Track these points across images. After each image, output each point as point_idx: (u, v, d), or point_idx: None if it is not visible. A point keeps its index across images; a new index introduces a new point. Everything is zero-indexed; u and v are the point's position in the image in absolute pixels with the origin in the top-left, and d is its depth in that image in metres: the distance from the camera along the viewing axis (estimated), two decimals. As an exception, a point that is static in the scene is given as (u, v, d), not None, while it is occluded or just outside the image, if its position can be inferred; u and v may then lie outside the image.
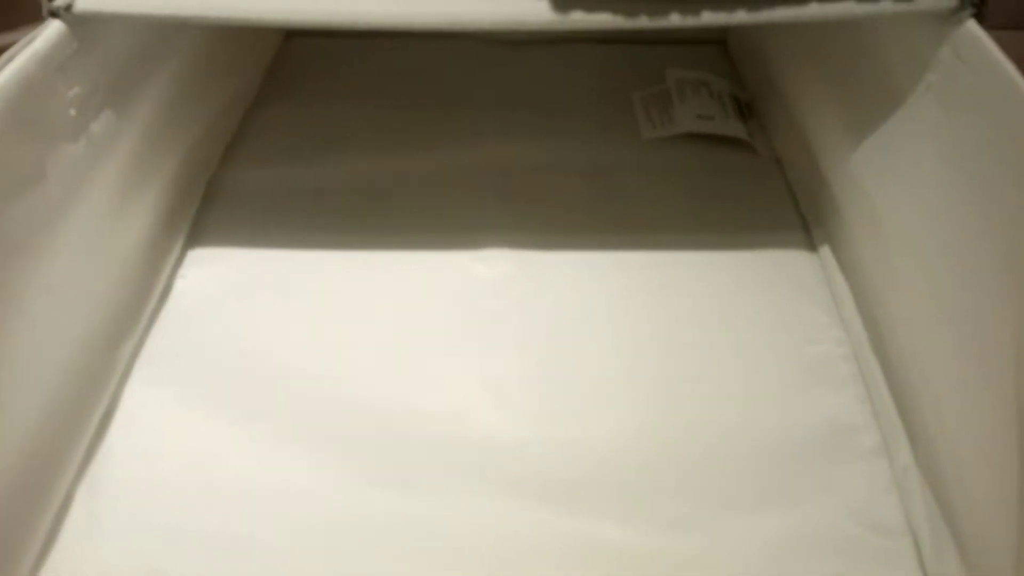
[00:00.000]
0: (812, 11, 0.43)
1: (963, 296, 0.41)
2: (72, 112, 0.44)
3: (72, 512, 0.42)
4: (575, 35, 0.74)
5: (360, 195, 0.60)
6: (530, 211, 0.58)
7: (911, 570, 0.41)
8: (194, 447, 0.45)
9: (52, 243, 0.42)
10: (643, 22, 0.43)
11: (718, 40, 0.76)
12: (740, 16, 0.43)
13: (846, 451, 0.45)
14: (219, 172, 0.62)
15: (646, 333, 0.51)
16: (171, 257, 0.54)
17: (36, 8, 0.43)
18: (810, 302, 0.53)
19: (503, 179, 0.61)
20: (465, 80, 0.71)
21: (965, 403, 0.40)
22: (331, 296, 0.53)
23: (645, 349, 0.50)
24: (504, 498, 0.43)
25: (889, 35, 0.49)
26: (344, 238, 0.56)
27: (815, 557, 0.41)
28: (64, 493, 0.42)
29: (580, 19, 0.43)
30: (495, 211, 0.59)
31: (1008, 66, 0.38)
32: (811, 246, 0.57)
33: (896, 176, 0.48)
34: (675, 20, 0.43)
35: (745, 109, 0.68)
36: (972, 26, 0.42)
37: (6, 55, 0.40)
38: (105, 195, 0.47)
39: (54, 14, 0.43)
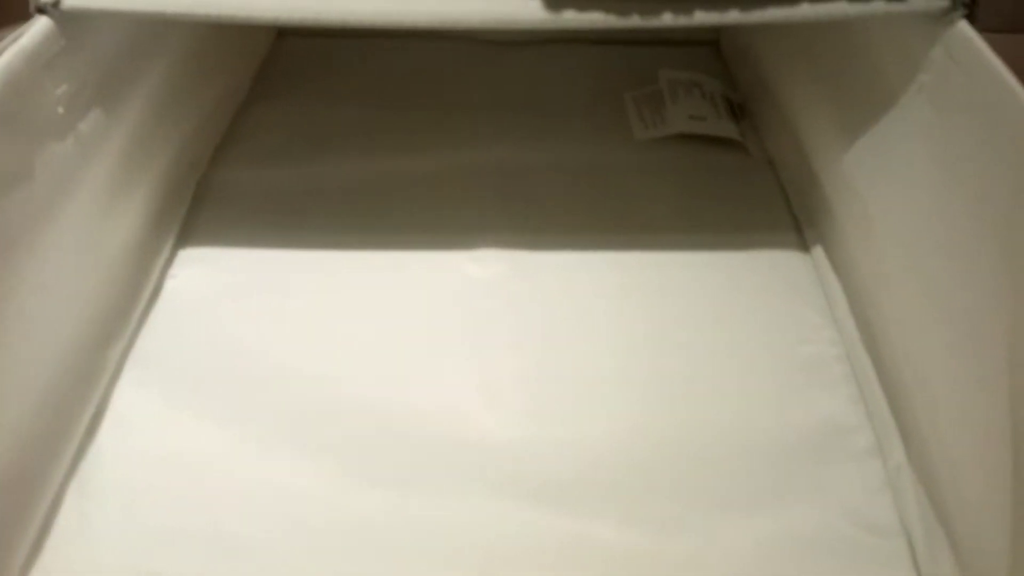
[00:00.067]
0: (804, 11, 0.43)
1: (956, 296, 0.41)
2: (60, 110, 0.43)
3: (62, 512, 0.42)
4: (568, 36, 0.74)
5: (352, 195, 0.60)
6: (524, 211, 0.58)
7: (905, 570, 0.41)
8: (184, 447, 0.45)
9: (40, 243, 0.42)
10: (635, 21, 0.43)
11: (710, 41, 0.76)
12: (732, 16, 0.43)
13: (839, 451, 0.45)
14: (210, 172, 0.62)
15: (640, 333, 0.51)
16: (161, 257, 0.54)
17: (24, 5, 0.42)
18: (803, 302, 0.53)
19: (497, 179, 0.61)
20: (459, 80, 0.71)
21: (958, 403, 0.40)
22: (323, 296, 0.53)
23: (639, 349, 0.50)
24: (499, 498, 0.43)
25: (881, 36, 0.49)
26: (336, 238, 0.56)
27: (809, 557, 0.41)
28: (54, 493, 0.42)
29: (572, 18, 0.43)
30: (489, 211, 0.58)
31: (1000, 66, 0.39)
32: (804, 247, 0.57)
33: (888, 176, 0.48)
34: (667, 19, 0.43)
35: (737, 110, 0.68)
36: (964, 26, 0.42)
37: (-7, 52, 0.39)
38: (94, 194, 0.47)
39: (42, 10, 0.42)
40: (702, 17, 0.43)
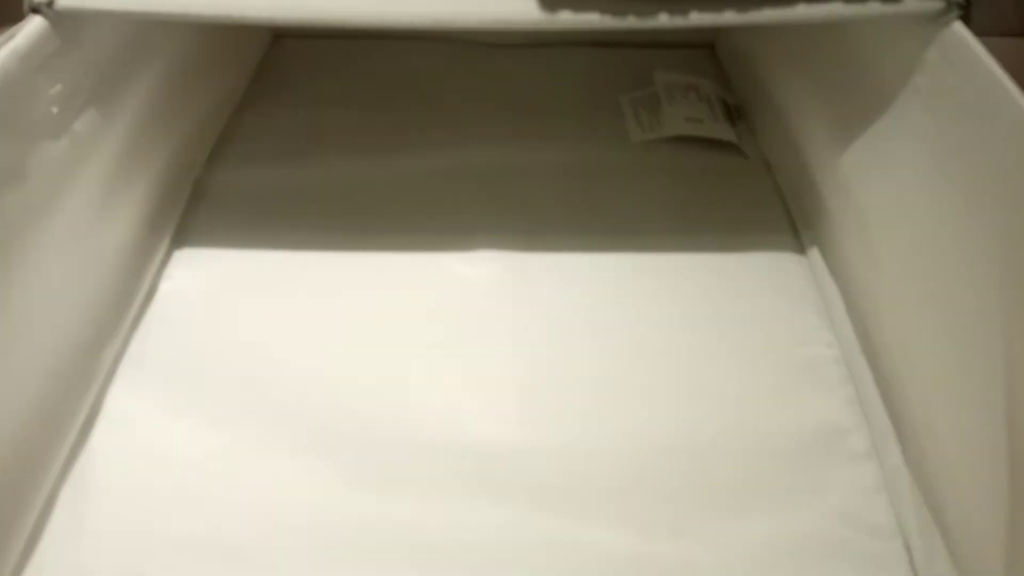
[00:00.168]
0: (800, 12, 0.43)
1: (952, 298, 0.41)
2: (54, 110, 0.43)
3: (55, 513, 0.42)
4: (564, 38, 0.74)
5: (347, 197, 0.59)
6: (518, 213, 0.58)
7: (902, 572, 0.41)
8: (178, 449, 0.45)
9: (34, 243, 0.41)
10: (631, 22, 0.43)
11: (706, 43, 0.76)
12: (728, 17, 0.43)
13: (836, 453, 0.45)
14: (205, 173, 0.62)
15: (635, 335, 0.51)
16: (156, 258, 0.54)
17: (18, 5, 0.42)
18: (799, 305, 0.53)
19: (492, 181, 0.61)
20: (454, 82, 0.71)
21: (954, 405, 0.40)
22: (317, 298, 0.53)
23: (634, 351, 0.50)
24: (492, 502, 0.43)
25: (876, 38, 0.49)
26: (331, 240, 0.56)
27: (806, 560, 0.41)
28: (47, 494, 0.42)
29: (568, 19, 0.43)
30: (483, 213, 0.58)
31: (995, 68, 0.39)
32: (800, 249, 0.57)
33: (884, 178, 0.48)
34: (663, 21, 0.43)
35: (734, 112, 0.68)
36: (959, 28, 0.42)
37: (-14, 52, 0.39)
38: (89, 195, 0.47)
39: (35, 10, 0.42)
40: (698, 18, 0.43)
